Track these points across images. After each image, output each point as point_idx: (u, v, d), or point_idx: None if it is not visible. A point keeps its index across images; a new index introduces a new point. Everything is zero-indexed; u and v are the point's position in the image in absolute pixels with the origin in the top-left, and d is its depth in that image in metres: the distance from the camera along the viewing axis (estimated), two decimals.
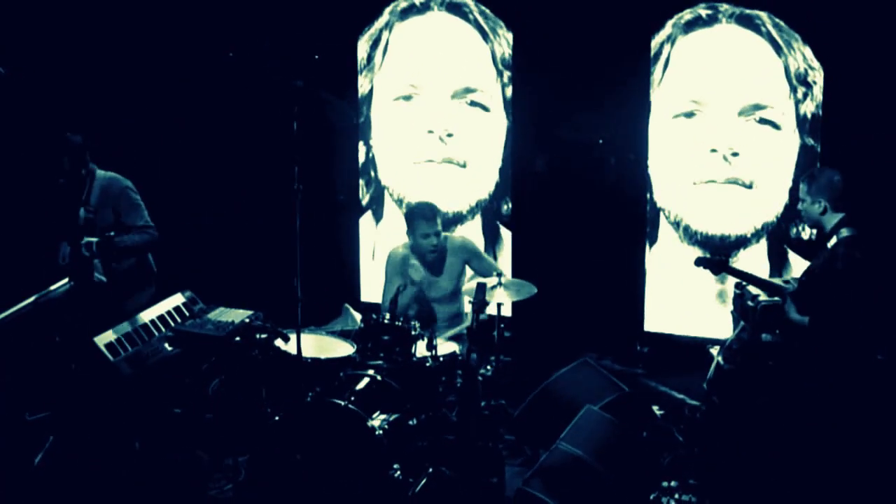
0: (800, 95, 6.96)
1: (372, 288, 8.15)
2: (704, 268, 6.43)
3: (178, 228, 7.75)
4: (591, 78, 7.36)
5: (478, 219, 8.03)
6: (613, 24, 7.26)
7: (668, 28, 7.23)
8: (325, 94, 6.81)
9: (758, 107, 7.08)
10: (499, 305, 6.37)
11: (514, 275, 7.67)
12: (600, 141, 7.46)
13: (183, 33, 8.02)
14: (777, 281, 6.07)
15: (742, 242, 7.27)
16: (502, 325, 6.44)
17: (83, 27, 7.89)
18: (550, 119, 7.58)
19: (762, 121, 7.08)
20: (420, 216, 6.97)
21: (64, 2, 7.86)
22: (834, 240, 5.66)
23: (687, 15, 7.19)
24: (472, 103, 7.87)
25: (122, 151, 7.03)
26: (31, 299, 6.54)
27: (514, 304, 7.59)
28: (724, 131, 7.16)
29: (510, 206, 7.87)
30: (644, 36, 7.27)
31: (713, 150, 7.22)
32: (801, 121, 7.00)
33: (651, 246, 7.51)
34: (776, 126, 7.05)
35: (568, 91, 7.44)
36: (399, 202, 8.23)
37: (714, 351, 6.26)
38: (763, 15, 6.96)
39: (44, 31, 7.81)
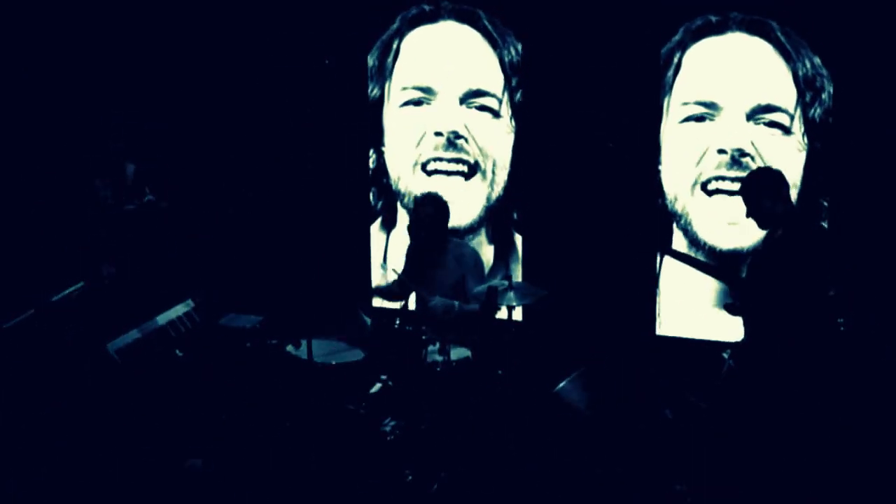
0: (808, 100, 6.96)
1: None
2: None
3: (188, 234, 7.77)
4: (601, 84, 7.36)
5: (488, 226, 8.00)
6: (624, 31, 7.26)
7: (678, 35, 7.24)
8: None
9: (768, 108, 7.08)
10: (509, 310, 6.35)
11: (525, 279, 7.65)
12: (610, 145, 7.45)
13: (193, 40, 8.04)
14: None
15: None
16: (513, 330, 6.43)
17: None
18: (560, 125, 7.57)
19: (771, 124, 7.08)
20: None
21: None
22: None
23: (697, 22, 7.20)
24: (482, 107, 7.87)
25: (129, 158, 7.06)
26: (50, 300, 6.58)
27: (525, 309, 7.58)
28: (734, 135, 7.16)
29: (520, 210, 7.85)
30: (654, 43, 7.28)
31: (720, 151, 7.22)
32: (810, 125, 7.00)
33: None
34: (786, 130, 7.05)
35: (578, 97, 7.44)
36: (409, 209, 8.20)
37: (726, 354, 6.25)
38: (772, 22, 6.98)
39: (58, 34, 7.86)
